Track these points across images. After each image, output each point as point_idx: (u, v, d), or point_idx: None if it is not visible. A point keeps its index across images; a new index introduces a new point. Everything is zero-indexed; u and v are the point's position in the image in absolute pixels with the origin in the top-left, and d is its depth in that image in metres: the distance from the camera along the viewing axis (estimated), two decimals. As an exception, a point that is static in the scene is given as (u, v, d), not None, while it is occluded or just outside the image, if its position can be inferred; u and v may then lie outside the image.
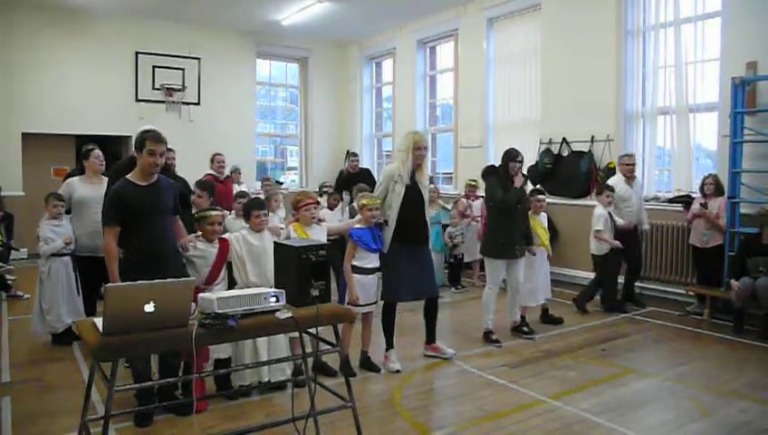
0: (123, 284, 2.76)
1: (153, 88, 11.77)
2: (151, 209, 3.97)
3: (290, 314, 3.02)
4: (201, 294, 3.04)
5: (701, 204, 6.91)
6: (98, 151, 5.84)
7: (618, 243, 7.00)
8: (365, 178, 9.66)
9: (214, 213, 4.45)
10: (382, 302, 5.23)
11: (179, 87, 11.94)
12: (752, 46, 6.84)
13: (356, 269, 4.95)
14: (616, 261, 7.14)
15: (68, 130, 11.12)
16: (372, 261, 5.00)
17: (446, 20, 11.18)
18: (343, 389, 3.53)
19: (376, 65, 13.84)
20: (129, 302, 2.70)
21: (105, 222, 4.02)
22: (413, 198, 5.08)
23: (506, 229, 5.83)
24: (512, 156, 5.83)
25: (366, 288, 4.98)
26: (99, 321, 2.78)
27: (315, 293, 3.15)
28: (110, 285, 2.69)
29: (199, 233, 4.43)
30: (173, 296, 2.81)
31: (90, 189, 5.75)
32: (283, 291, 3.10)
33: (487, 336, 5.98)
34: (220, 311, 2.90)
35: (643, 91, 8.31)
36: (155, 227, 3.98)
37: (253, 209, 4.51)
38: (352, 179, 9.16)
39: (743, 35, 6.95)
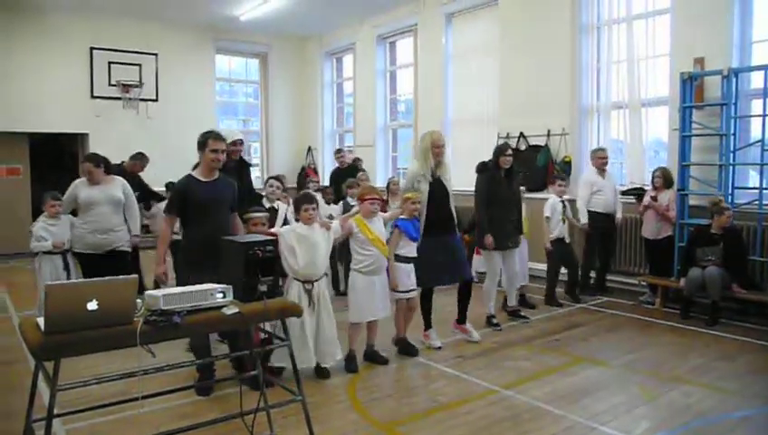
0: (64, 282, 2.76)
1: (109, 84, 11.60)
2: (210, 204, 4.43)
3: (237, 310, 3.02)
4: (147, 292, 3.03)
5: (651, 197, 7.09)
6: (85, 165, 5.98)
7: (548, 245, 7.13)
8: (355, 172, 9.70)
9: (255, 215, 4.83)
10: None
11: (136, 83, 11.78)
12: (699, 42, 7.02)
13: (399, 258, 5.25)
14: (558, 251, 7.19)
15: (21, 128, 10.90)
16: (414, 250, 5.32)
17: (405, 15, 11.23)
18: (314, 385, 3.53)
19: (336, 60, 13.83)
20: (71, 300, 2.68)
21: (165, 211, 4.64)
22: (438, 193, 5.43)
23: (499, 222, 6.08)
24: (502, 150, 6.15)
25: (410, 275, 5.30)
26: (42, 320, 2.76)
27: (263, 288, 3.17)
28: (49, 283, 2.67)
29: None
30: (117, 294, 2.80)
31: (95, 191, 5.91)
32: (230, 287, 3.10)
33: (489, 320, 6.32)
34: (166, 308, 2.90)
35: (597, 86, 8.48)
36: (212, 220, 4.40)
37: (302, 204, 4.77)
38: (346, 174, 9.27)
39: (691, 32, 7.13)
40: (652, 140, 8.23)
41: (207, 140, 4.43)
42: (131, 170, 7.83)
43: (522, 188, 6.89)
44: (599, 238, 7.52)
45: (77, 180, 6.08)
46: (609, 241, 7.66)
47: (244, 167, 5.96)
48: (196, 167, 4.66)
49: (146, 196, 7.91)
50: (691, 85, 6.94)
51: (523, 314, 6.63)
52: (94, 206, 5.85)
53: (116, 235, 5.97)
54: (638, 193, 7.61)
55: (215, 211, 4.46)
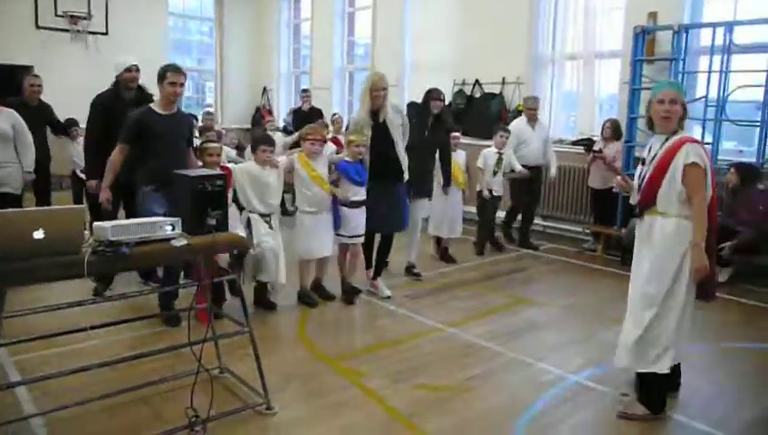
0: (8, 210, 2.73)
1: (56, 15, 11.04)
2: (167, 136, 4.51)
3: (185, 242, 3.05)
4: (96, 223, 3.03)
5: (596, 149, 7.27)
6: None
7: (486, 193, 7.01)
8: (319, 116, 9.82)
9: (211, 145, 4.90)
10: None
11: (84, 15, 11.27)
12: (654, -4, 7.12)
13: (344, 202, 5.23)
14: (489, 203, 7.16)
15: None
16: (358, 194, 5.23)
17: (366, -44, 11.00)
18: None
19: (294, 0, 13.51)
20: (15, 228, 2.65)
21: (119, 140, 4.56)
22: (381, 138, 5.23)
23: (415, 169, 5.66)
24: (433, 95, 5.97)
25: (353, 220, 5.24)
26: (-15, 248, 2.74)
27: (212, 222, 3.19)
28: (-6, 211, 2.65)
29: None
30: (64, 223, 2.78)
31: None
32: (179, 219, 3.12)
33: (409, 270, 6.20)
34: (114, 238, 2.91)
35: (553, 37, 8.54)
36: (169, 152, 4.49)
37: (260, 144, 4.93)
38: (310, 117, 9.31)
39: (646, -15, 7.21)
40: (607, 94, 8.35)
41: (166, 72, 4.47)
42: (30, 97, 6.75)
43: (456, 133, 6.66)
44: (520, 192, 7.45)
45: None
46: (532, 195, 7.55)
47: (145, 96, 5.39)
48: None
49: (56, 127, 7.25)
50: (643, 39, 7.05)
51: (416, 271, 6.16)
52: None
53: (2, 172, 5.57)
54: (587, 144, 7.79)
55: (171, 144, 4.54)
